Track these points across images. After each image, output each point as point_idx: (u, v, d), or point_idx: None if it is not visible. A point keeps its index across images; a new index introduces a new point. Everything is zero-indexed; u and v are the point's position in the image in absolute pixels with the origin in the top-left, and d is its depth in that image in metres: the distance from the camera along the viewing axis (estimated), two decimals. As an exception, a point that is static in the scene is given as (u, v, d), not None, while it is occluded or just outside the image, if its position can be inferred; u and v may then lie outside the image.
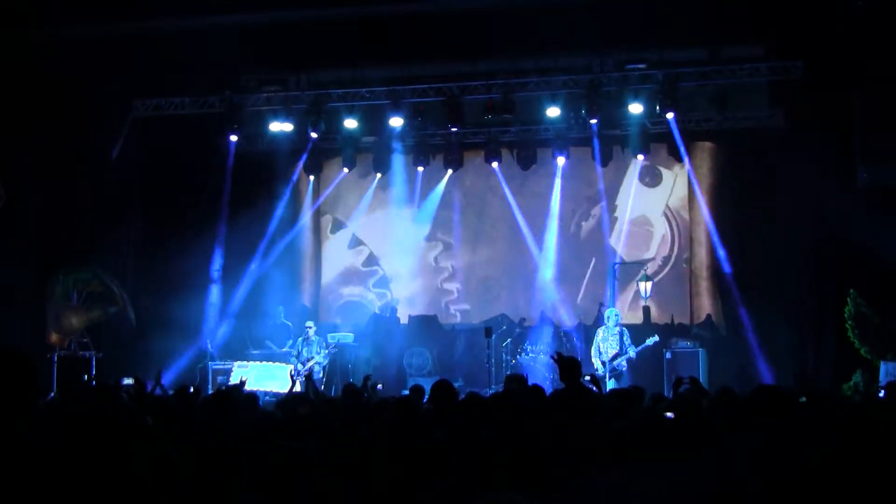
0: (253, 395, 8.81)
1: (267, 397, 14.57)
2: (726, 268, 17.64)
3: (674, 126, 17.53)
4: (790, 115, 16.88)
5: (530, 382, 9.75)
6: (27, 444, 3.57)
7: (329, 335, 17.85)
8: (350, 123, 17.91)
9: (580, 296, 19.10)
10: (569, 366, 8.21)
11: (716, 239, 17.99)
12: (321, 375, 16.50)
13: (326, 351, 16.71)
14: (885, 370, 14.31)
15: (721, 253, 17.77)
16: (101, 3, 14.85)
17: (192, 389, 9.70)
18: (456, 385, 13.52)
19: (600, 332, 15.15)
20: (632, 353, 14.68)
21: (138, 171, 18.32)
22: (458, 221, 19.79)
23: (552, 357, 9.08)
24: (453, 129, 17.87)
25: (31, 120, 16.44)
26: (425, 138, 19.02)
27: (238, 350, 17.93)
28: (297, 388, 13.48)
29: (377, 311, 19.77)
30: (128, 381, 12.22)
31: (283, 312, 18.60)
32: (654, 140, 18.26)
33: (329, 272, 20.47)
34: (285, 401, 8.58)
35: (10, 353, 3.77)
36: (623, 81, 16.97)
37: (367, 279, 20.24)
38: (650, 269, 18.10)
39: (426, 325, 19.08)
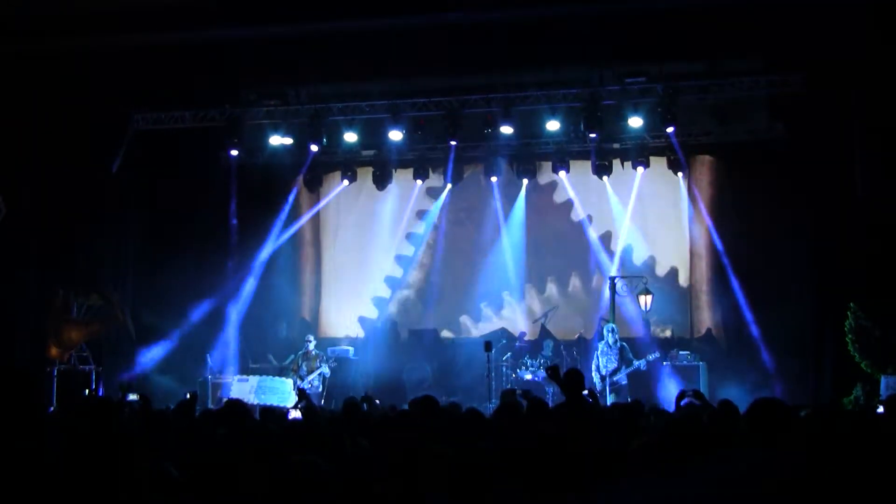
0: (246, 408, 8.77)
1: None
2: (726, 281, 17.65)
3: (673, 140, 17.58)
4: (790, 128, 16.89)
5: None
6: (29, 458, 3.57)
7: (329, 349, 17.85)
8: (350, 137, 17.95)
9: (580, 310, 19.08)
10: (571, 378, 8.22)
11: (716, 252, 18.01)
12: (321, 389, 16.49)
13: (326, 365, 16.72)
14: (886, 384, 14.28)
15: (721, 266, 17.79)
16: (100, 16, 14.88)
17: (188, 395, 9.68)
18: (454, 399, 13.55)
19: (600, 347, 15.25)
20: (639, 363, 14.79)
21: (138, 184, 18.33)
22: (457, 234, 19.78)
23: (546, 371, 9.09)
24: (453, 143, 17.88)
25: (32, 132, 16.49)
26: (425, 152, 19.02)
27: (238, 364, 17.89)
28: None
29: (377, 326, 19.75)
30: (133, 396, 12.22)
31: (286, 327, 18.60)
32: (654, 153, 18.28)
33: (329, 285, 20.45)
34: (281, 414, 8.58)
35: (11, 370, 3.78)
36: (623, 95, 17.00)
37: (366, 292, 20.21)
38: (649, 282, 18.07)
39: (426, 339, 19.06)
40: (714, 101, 16.94)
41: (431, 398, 7.83)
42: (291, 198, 19.74)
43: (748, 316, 17.04)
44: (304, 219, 20.05)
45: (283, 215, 19.48)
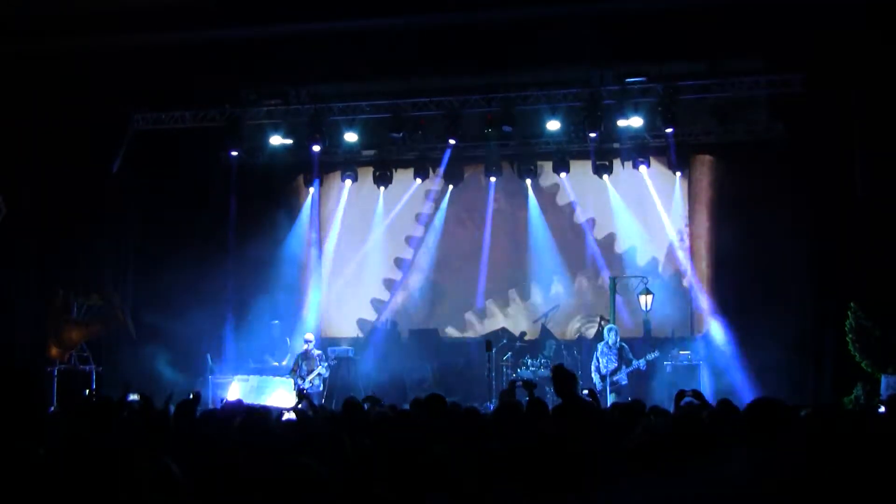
0: (266, 410, 8.77)
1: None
2: (726, 281, 17.65)
3: (671, 140, 17.61)
4: (790, 127, 16.89)
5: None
6: (29, 458, 3.57)
7: (329, 349, 17.84)
8: (350, 137, 17.96)
9: (580, 309, 19.07)
10: (563, 379, 8.23)
11: (716, 252, 18.01)
12: (321, 389, 16.49)
13: (327, 364, 16.72)
14: (886, 383, 14.29)
15: (721, 266, 17.80)
16: (100, 16, 14.88)
17: (191, 395, 9.68)
18: (454, 399, 13.53)
19: (600, 347, 15.26)
20: (639, 363, 14.80)
21: (138, 184, 18.32)
22: (457, 234, 19.77)
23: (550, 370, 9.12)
24: (453, 143, 17.88)
25: (32, 133, 16.48)
26: (425, 151, 19.03)
27: (238, 364, 17.88)
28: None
29: (377, 326, 19.74)
30: (133, 396, 12.21)
31: (279, 327, 18.57)
32: (655, 153, 18.31)
33: (329, 285, 20.42)
34: (279, 414, 8.58)
35: (11, 370, 3.80)
36: (623, 95, 17.01)
37: (367, 292, 20.20)
38: (650, 282, 18.06)
39: (426, 339, 19.05)
40: (714, 100, 16.94)
41: (438, 396, 7.82)
42: (291, 197, 19.76)
43: (748, 316, 17.02)
44: (304, 218, 19.95)
45: (283, 215, 19.47)
